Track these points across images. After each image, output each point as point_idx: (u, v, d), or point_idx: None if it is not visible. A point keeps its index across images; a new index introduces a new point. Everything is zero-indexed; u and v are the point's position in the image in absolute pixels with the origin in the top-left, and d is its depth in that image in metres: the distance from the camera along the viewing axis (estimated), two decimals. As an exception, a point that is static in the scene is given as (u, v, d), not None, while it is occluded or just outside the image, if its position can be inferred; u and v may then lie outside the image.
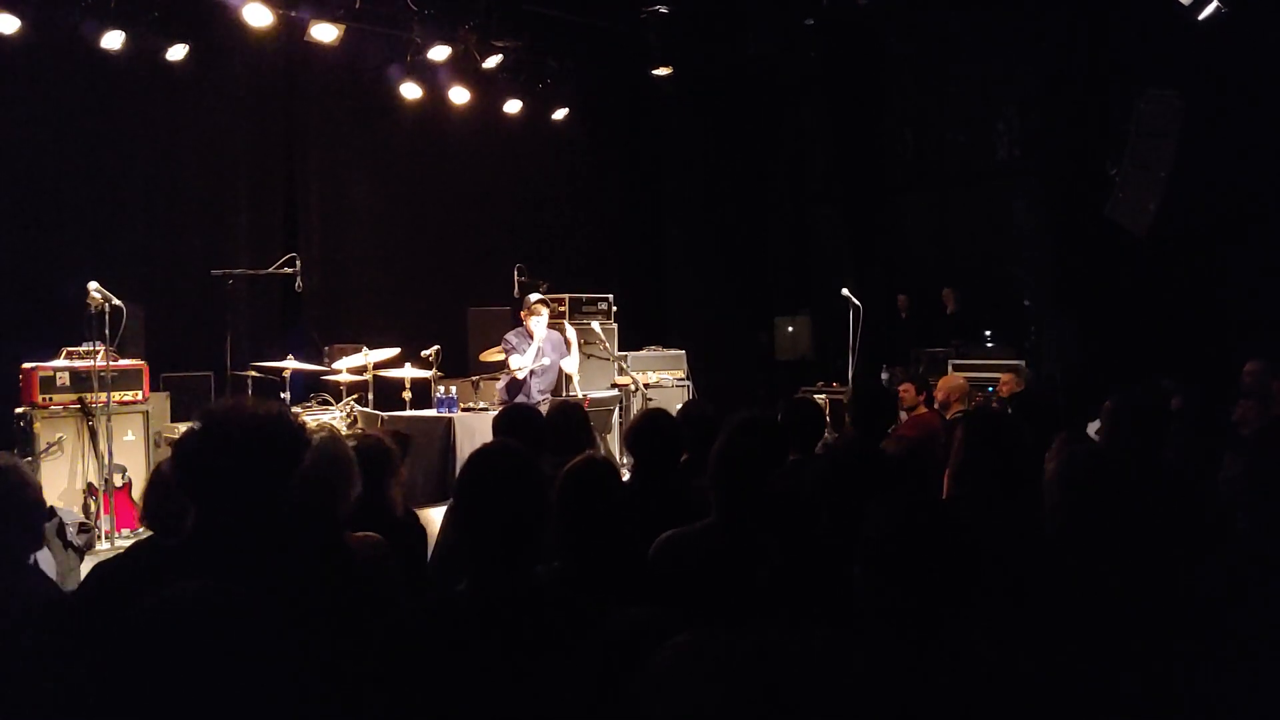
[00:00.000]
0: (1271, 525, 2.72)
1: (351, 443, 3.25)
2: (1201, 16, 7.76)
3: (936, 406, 6.54)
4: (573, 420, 4.35)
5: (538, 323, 7.60)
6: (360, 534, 2.96)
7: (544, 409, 5.89)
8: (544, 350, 7.63)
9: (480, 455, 2.41)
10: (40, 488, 2.66)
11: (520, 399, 7.46)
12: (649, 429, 3.87)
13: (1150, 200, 8.37)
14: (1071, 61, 9.36)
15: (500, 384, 7.67)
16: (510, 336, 7.68)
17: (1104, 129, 9.08)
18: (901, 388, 7.02)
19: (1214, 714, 2.35)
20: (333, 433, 2.96)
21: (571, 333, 8.08)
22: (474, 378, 7.97)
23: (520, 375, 7.47)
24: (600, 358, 8.83)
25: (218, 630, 1.80)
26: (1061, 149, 9.68)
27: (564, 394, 8.01)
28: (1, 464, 2.54)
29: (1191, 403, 4.86)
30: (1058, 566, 2.70)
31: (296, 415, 6.38)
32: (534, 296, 7.85)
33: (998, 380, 8.37)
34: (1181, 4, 7.78)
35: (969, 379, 7.39)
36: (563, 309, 9.06)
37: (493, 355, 8.06)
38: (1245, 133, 8.20)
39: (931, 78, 11.50)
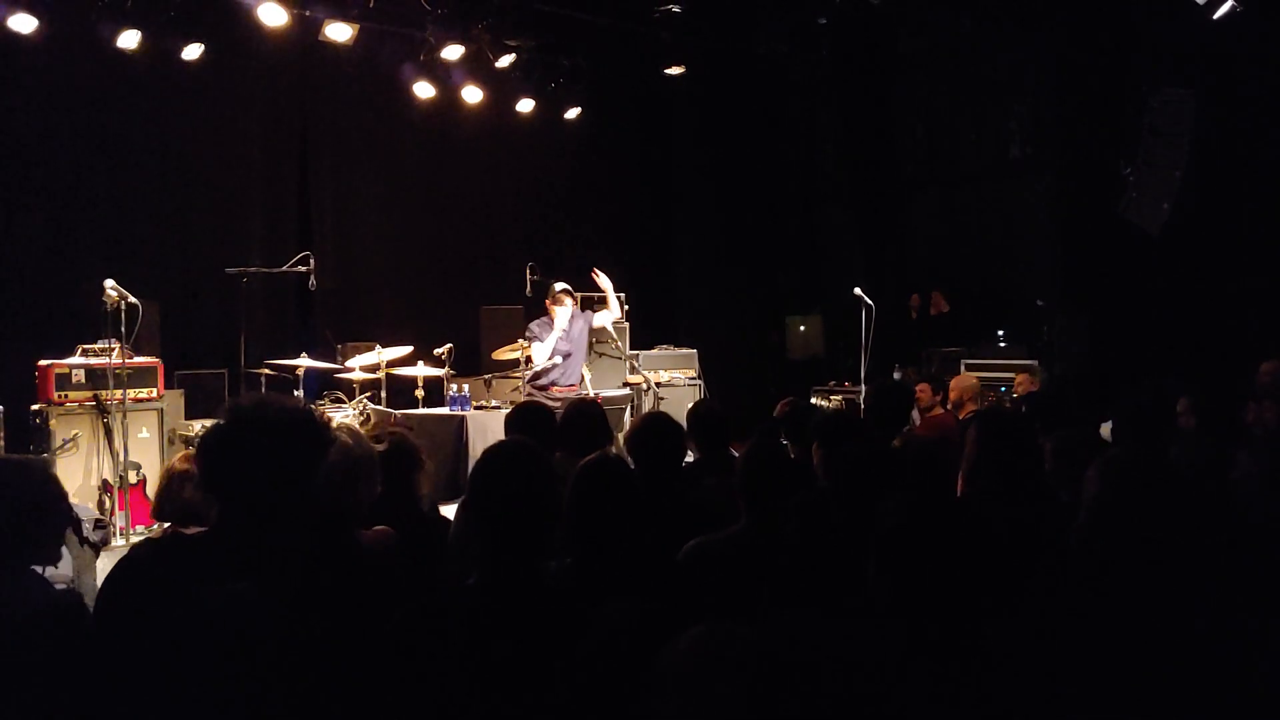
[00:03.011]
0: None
1: (381, 444, 3.24)
2: (1217, 15, 7.72)
3: (950, 406, 6.54)
4: (590, 419, 4.30)
5: (562, 313, 7.56)
6: (373, 530, 2.97)
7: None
8: (566, 339, 7.56)
9: (493, 452, 2.45)
10: (64, 494, 2.57)
11: (540, 393, 7.43)
12: (648, 433, 3.83)
13: (1164, 199, 8.34)
14: (1084, 59, 9.32)
15: (526, 377, 7.62)
16: (533, 326, 7.64)
17: (1117, 127, 9.03)
18: (919, 387, 7.00)
19: (1231, 713, 2.35)
20: (354, 431, 2.97)
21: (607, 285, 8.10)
22: (486, 376, 7.99)
23: (538, 365, 7.43)
24: (612, 356, 8.84)
25: (252, 633, 1.82)
26: (1074, 147, 9.64)
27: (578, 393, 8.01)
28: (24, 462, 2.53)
29: (1198, 403, 4.82)
30: (1076, 566, 2.69)
31: (321, 411, 6.40)
32: (559, 286, 7.74)
33: (1012, 380, 8.35)
34: (1196, 2, 7.74)
35: (982, 379, 7.38)
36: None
37: (505, 353, 8.06)
38: (1259, 131, 8.16)
39: (943, 76, 11.47)
